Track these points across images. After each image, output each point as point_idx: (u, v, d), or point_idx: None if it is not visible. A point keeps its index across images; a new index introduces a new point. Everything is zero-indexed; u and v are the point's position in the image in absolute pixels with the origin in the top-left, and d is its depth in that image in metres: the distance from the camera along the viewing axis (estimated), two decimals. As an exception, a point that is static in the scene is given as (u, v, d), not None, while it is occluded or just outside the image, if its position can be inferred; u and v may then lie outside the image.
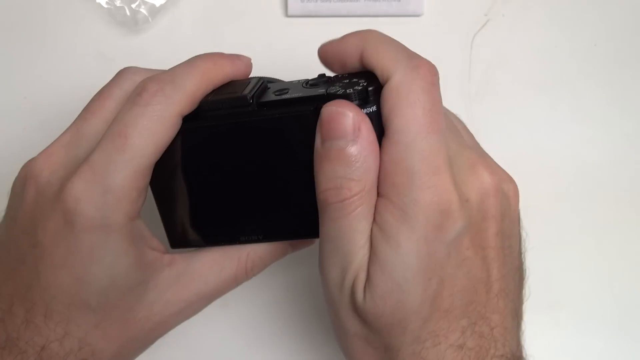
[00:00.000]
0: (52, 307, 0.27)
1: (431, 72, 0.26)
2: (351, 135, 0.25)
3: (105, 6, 0.43)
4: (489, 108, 0.43)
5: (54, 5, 0.43)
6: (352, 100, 0.26)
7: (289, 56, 0.43)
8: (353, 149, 0.25)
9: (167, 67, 0.29)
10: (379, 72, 0.26)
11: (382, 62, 0.26)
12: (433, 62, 0.41)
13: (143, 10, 0.42)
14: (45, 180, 0.28)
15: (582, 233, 0.41)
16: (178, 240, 0.32)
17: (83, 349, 0.28)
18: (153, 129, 0.26)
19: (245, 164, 0.29)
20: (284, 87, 0.28)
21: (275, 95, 0.28)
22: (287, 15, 0.43)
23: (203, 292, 0.31)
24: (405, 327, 0.26)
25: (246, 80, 0.29)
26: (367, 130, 0.25)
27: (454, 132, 0.28)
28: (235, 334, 0.40)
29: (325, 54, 0.29)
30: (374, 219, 0.26)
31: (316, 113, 0.26)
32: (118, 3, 0.42)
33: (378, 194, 0.26)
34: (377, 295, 0.26)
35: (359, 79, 0.27)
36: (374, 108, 0.26)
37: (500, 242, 0.27)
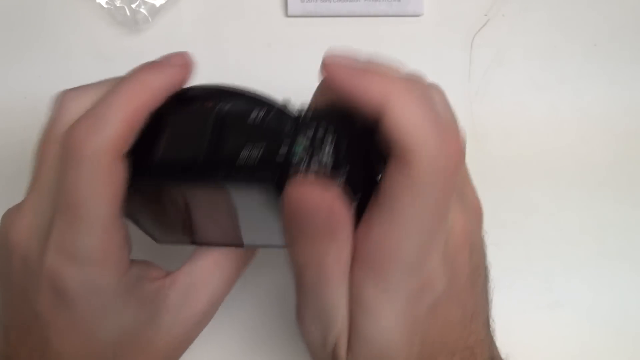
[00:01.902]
0: None
1: (458, 152, 0.24)
2: (323, 229, 0.23)
3: (105, 6, 0.43)
4: (489, 108, 0.43)
5: (53, 5, 0.43)
6: (321, 176, 0.23)
7: (289, 56, 0.43)
8: (327, 238, 0.23)
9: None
10: (398, 146, 0.23)
11: (405, 138, 0.22)
12: (433, 62, 0.41)
13: (143, 10, 0.42)
14: (24, 252, 0.26)
15: (582, 233, 0.41)
16: (163, 240, 0.31)
17: None
18: (96, 186, 0.24)
19: (207, 206, 0.27)
20: (242, 127, 0.24)
21: (233, 145, 0.24)
22: (287, 15, 0.43)
23: (214, 297, 0.30)
24: None
25: (202, 108, 0.25)
26: (341, 218, 0.23)
27: (457, 199, 0.26)
28: (236, 334, 0.40)
29: (335, 77, 0.24)
30: (351, 290, 0.25)
31: (280, 185, 0.23)
32: (118, 3, 0.42)
33: (356, 264, 0.25)
34: None
35: (327, 127, 0.23)
36: (348, 167, 0.23)
37: (470, 282, 0.27)
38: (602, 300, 0.40)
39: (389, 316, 0.25)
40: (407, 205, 0.23)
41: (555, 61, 0.43)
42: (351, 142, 0.23)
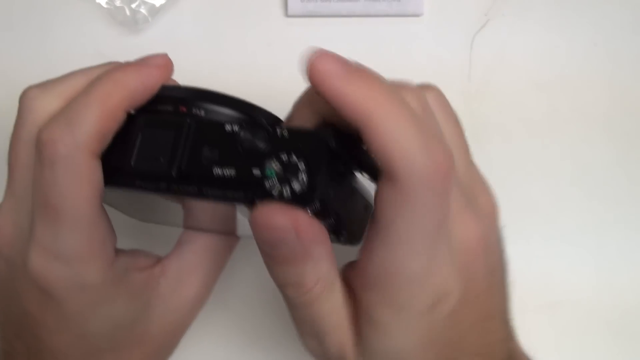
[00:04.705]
0: None
1: (446, 159, 0.23)
2: (293, 251, 0.23)
3: (105, 6, 0.43)
4: (489, 108, 0.43)
5: (53, 5, 0.43)
6: (290, 202, 0.22)
7: (289, 56, 0.43)
8: (298, 254, 0.23)
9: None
10: (383, 163, 0.22)
11: (389, 155, 0.22)
12: (433, 62, 0.41)
13: (143, 10, 0.42)
14: (8, 254, 0.27)
15: (582, 233, 0.41)
16: (147, 221, 0.31)
17: None
18: (74, 185, 0.24)
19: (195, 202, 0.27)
20: (215, 141, 0.24)
21: (205, 159, 0.24)
22: (287, 15, 0.43)
23: (206, 280, 0.30)
24: None
25: (176, 114, 0.25)
26: (312, 238, 0.23)
27: (466, 203, 0.25)
28: (235, 334, 0.40)
29: (323, 82, 0.22)
30: (360, 309, 0.25)
31: (253, 204, 0.23)
32: (118, 3, 0.42)
33: (364, 286, 0.24)
34: None
35: (302, 151, 0.22)
36: (321, 193, 0.22)
37: (487, 284, 0.26)
38: (602, 299, 0.40)
39: (404, 334, 0.24)
40: (402, 222, 0.23)
41: (555, 61, 0.43)
42: (330, 165, 0.22)
